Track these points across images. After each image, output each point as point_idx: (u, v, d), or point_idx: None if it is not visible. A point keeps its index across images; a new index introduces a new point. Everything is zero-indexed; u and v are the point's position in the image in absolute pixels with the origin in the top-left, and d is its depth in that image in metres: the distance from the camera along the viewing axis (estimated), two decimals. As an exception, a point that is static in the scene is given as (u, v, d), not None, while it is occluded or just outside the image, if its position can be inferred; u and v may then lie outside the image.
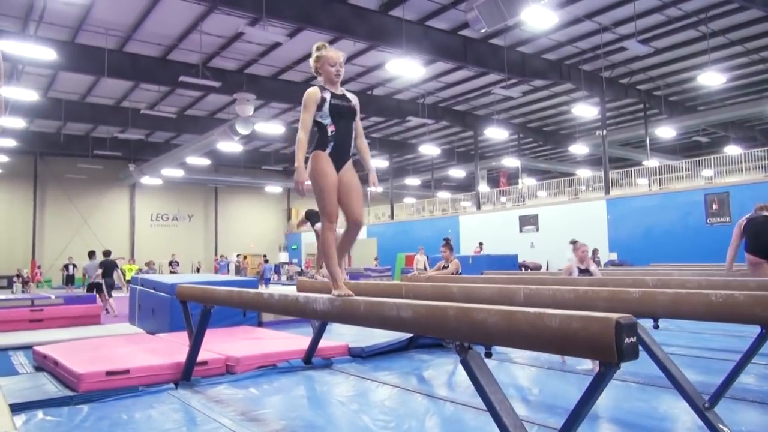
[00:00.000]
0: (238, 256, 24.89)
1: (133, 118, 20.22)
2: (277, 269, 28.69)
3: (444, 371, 5.38)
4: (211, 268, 27.74)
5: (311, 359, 5.41)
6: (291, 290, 5.33)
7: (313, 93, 3.06)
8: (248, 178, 29.77)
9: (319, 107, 3.05)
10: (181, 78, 15.18)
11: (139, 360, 4.99)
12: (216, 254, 29.65)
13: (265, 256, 25.55)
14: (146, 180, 26.29)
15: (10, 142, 20.98)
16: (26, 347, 6.66)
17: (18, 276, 21.08)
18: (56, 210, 27.08)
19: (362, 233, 24.74)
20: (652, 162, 21.72)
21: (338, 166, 3.11)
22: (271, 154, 28.81)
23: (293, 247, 32.79)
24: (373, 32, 13.71)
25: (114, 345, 6.05)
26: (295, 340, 6.10)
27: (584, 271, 5.79)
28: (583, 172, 26.18)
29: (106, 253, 12.48)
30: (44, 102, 18.65)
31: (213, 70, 16.33)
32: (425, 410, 4.01)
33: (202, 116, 22.05)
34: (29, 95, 15.93)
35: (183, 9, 13.16)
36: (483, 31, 12.31)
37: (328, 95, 3.08)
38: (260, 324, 7.94)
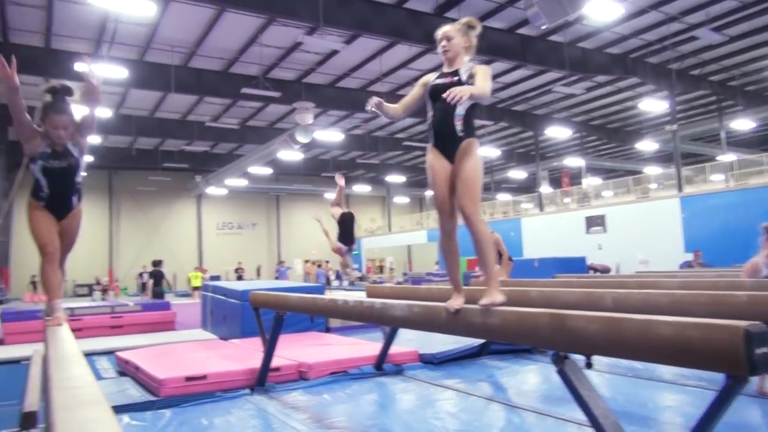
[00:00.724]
0: (306, 262, 25.31)
1: (199, 131, 21.01)
2: (338, 275, 28.96)
3: (520, 379, 5.20)
4: (273, 275, 28.32)
5: (382, 366, 5.36)
6: (351, 295, 5.30)
7: (423, 78, 2.84)
8: (308, 185, 30.28)
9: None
10: (243, 90, 15.63)
11: (215, 366, 5.09)
12: (279, 261, 30.29)
13: (327, 261, 25.84)
14: (211, 190, 27.21)
15: (88, 158, 22.20)
16: (108, 352, 6.97)
17: (98, 284, 22.22)
18: (130, 221, 28.49)
19: (422, 237, 24.60)
20: (728, 156, 20.50)
21: (448, 154, 2.67)
22: (330, 161, 29.19)
23: (354, 252, 33.00)
24: (428, 35, 13.53)
25: (190, 350, 6.22)
26: (364, 347, 6.07)
27: None
28: (652, 170, 25.04)
29: (155, 263, 13.36)
30: (117, 119, 19.64)
31: (272, 81, 16.70)
32: (503, 420, 3.87)
33: (262, 126, 22.61)
34: (104, 113, 16.88)
35: (243, 23, 13.53)
36: (543, 27, 11.99)
37: (434, 77, 2.77)
38: (328, 330, 7.98)
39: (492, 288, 2.52)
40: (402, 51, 15.37)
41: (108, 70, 13.39)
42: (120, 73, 13.49)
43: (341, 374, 5.23)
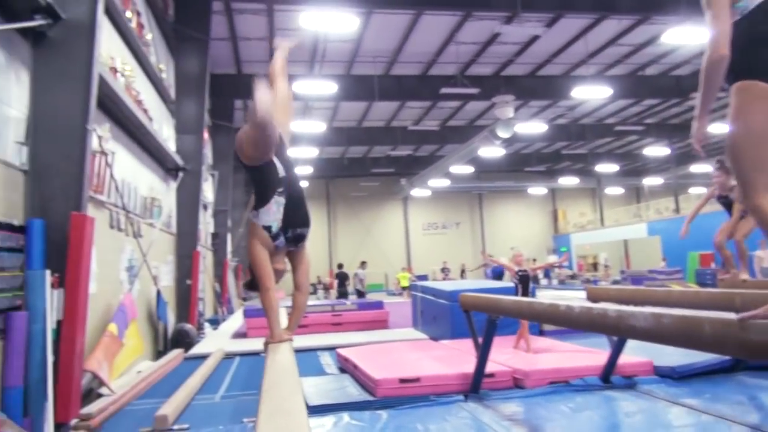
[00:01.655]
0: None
1: (402, 136, 21.86)
2: (547, 273, 27.70)
3: (796, 404, 4.15)
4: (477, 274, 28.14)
5: (610, 377, 4.74)
6: (569, 297, 4.75)
7: None
8: (511, 181, 29.54)
9: None
10: (441, 90, 15.74)
11: (427, 368, 5.02)
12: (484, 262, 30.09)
13: (534, 260, 24.83)
14: (416, 192, 28.13)
15: (308, 170, 24.65)
16: (330, 348, 7.43)
17: (320, 283, 24.51)
18: (345, 225, 30.95)
19: (641, 231, 22.08)
20: None
21: None
22: (533, 155, 28.05)
23: (562, 249, 31.30)
24: (640, 3, 12.16)
25: (403, 351, 6.28)
26: (587, 354, 5.48)
27: None
28: None
29: (339, 266, 14.10)
30: (330, 132, 21.37)
31: (470, 78, 16.52)
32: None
33: (462, 126, 22.60)
34: (319, 127, 18.52)
35: (439, 24, 13.58)
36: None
37: None
38: (541, 333, 7.45)
39: None
40: (610, 26, 13.97)
41: (320, 87, 14.60)
42: (330, 88, 14.60)
43: (562, 384, 4.75)
